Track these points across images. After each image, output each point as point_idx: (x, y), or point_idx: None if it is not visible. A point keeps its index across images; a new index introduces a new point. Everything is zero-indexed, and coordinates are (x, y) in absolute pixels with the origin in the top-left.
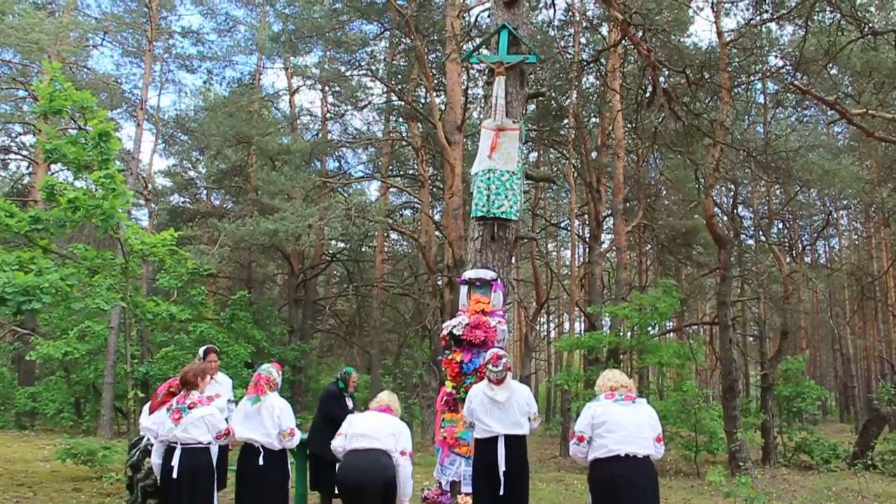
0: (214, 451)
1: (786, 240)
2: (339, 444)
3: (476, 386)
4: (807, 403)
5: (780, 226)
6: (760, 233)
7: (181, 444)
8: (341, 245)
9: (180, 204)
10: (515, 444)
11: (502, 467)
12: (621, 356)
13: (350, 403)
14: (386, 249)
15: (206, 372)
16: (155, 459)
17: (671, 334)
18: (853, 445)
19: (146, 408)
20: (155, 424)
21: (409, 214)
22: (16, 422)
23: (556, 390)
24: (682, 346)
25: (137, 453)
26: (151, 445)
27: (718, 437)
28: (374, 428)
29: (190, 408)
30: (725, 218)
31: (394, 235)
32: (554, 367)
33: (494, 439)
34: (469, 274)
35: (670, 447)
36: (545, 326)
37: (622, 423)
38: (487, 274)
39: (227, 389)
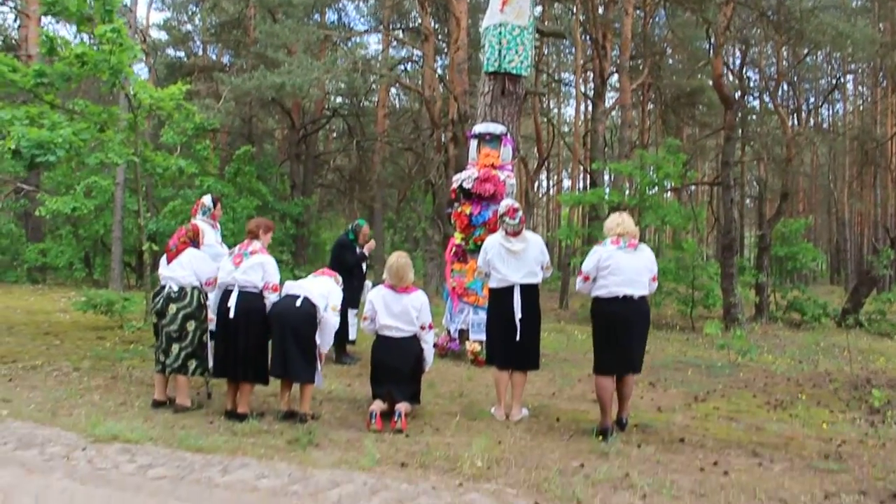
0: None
1: (791, 102)
2: (368, 327)
3: (492, 237)
4: (807, 261)
5: (786, 88)
6: (767, 94)
7: (238, 286)
8: (340, 100)
9: (177, 58)
10: (530, 292)
11: (518, 314)
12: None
13: (368, 247)
14: (387, 105)
15: (270, 227)
16: (213, 299)
17: (669, 193)
18: (846, 301)
19: (163, 259)
20: (174, 272)
21: (411, 69)
22: (28, 276)
23: (555, 246)
24: (685, 209)
25: (161, 300)
26: (175, 293)
27: (714, 294)
28: (398, 315)
29: (251, 254)
30: (732, 78)
31: (394, 90)
32: (552, 223)
33: (510, 288)
34: (479, 128)
35: (667, 302)
36: (545, 183)
37: (624, 268)
38: (497, 128)
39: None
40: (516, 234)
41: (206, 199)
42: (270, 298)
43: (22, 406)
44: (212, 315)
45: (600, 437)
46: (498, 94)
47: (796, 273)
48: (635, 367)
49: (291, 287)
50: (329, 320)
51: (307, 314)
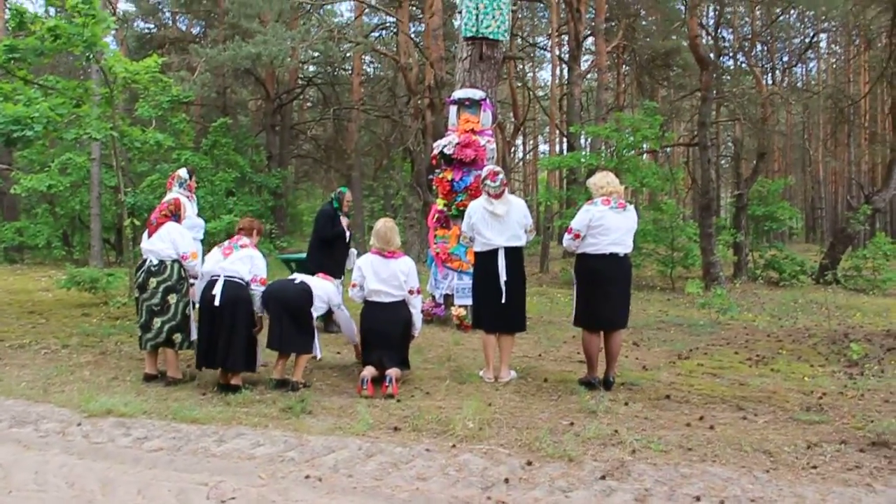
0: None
1: (765, 62)
2: (357, 294)
3: (475, 201)
4: (785, 220)
5: (760, 47)
6: (741, 54)
7: (224, 276)
8: (312, 69)
9: (146, 30)
10: (514, 255)
11: (503, 277)
12: None
13: (344, 222)
14: (361, 72)
15: (261, 231)
16: (198, 288)
17: (646, 156)
18: (823, 258)
19: (146, 233)
20: (153, 245)
21: (385, 35)
22: (4, 256)
23: (532, 210)
24: (662, 171)
25: (142, 274)
26: (154, 266)
27: (693, 254)
28: (386, 280)
29: (241, 247)
30: (707, 38)
31: (368, 57)
32: (530, 187)
33: (495, 252)
34: (458, 94)
35: (647, 263)
36: (521, 148)
37: (614, 227)
38: (476, 94)
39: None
40: (498, 196)
41: (182, 172)
42: (258, 291)
43: (13, 384)
44: (195, 299)
45: (585, 388)
46: (476, 59)
47: (773, 232)
48: (621, 321)
49: (292, 276)
50: (341, 316)
51: (302, 290)
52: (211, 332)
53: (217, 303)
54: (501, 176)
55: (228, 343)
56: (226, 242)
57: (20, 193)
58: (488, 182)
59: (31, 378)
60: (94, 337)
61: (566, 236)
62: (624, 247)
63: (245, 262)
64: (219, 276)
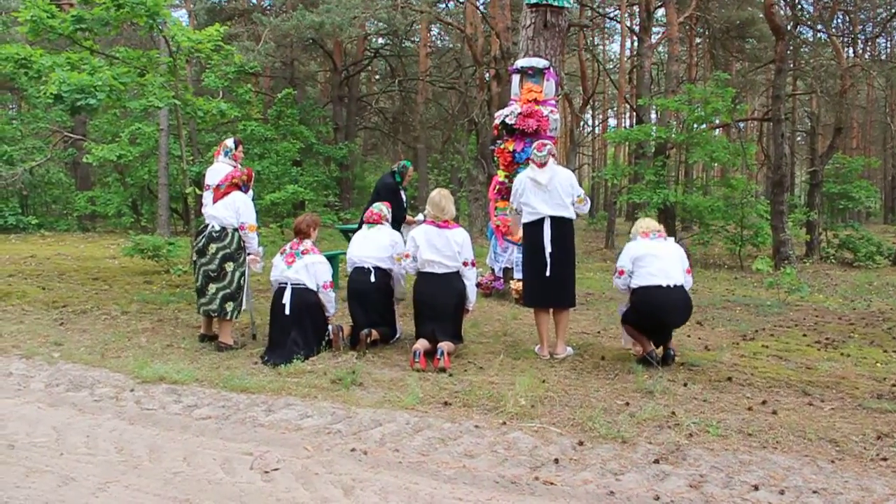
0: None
1: (847, 32)
2: (410, 266)
3: (521, 173)
4: (860, 199)
5: (841, 17)
6: (821, 24)
7: (291, 284)
8: (381, 41)
9: (216, 2)
10: (561, 226)
11: (548, 248)
12: (668, 151)
13: (403, 196)
14: (429, 43)
15: (318, 224)
16: (275, 276)
17: (717, 130)
18: None
19: (209, 199)
20: (217, 211)
21: (452, 6)
22: (78, 224)
23: (601, 186)
24: (734, 145)
25: (203, 239)
26: (216, 232)
27: (764, 232)
28: (440, 250)
29: (303, 253)
30: (784, 7)
31: (435, 29)
32: (598, 162)
33: (541, 221)
34: (521, 62)
35: (715, 241)
36: (590, 122)
37: (658, 255)
38: (540, 62)
39: None
40: (542, 165)
41: (229, 141)
42: (329, 295)
43: (73, 349)
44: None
45: (643, 367)
46: (540, 27)
47: (849, 212)
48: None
49: (358, 257)
50: (397, 274)
51: (381, 284)
52: (282, 335)
53: (287, 311)
54: (549, 146)
55: (295, 341)
56: (287, 248)
57: (92, 163)
58: (535, 152)
59: (90, 343)
60: (153, 304)
61: (615, 276)
62: (676, 277)
63: (309, 271)
64: (286, 284)
